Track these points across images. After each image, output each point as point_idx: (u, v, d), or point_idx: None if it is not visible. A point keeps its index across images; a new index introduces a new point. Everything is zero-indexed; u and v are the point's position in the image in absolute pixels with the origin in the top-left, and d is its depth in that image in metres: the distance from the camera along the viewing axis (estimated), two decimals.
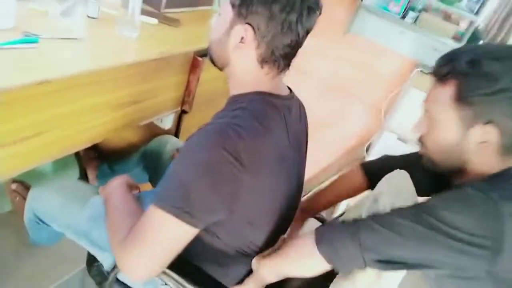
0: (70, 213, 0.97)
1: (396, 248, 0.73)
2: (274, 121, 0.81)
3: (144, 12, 1.34)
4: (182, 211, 0.68)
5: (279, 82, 0.86)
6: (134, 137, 1.59)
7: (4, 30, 0.96)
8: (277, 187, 0.83)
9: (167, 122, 1.43)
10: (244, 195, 0.74)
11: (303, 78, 2.41)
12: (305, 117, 0.99)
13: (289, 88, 0.93)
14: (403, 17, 2.09)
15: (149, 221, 0.71)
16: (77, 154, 1.66)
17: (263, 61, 0.79)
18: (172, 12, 1.47)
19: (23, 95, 0.85)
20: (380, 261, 0.74)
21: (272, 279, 0.86)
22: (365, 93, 2.34)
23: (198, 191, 0.69)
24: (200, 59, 1.32)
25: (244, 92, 0.83)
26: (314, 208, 1.16)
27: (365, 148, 2.24)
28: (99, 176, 1.58)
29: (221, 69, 0.87)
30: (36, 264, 1.39)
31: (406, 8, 2.07)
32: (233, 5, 0.77)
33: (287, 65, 0.83)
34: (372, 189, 1.04)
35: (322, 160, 2.54)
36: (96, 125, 1.08)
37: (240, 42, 0.78)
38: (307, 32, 0.80)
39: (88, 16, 1.19)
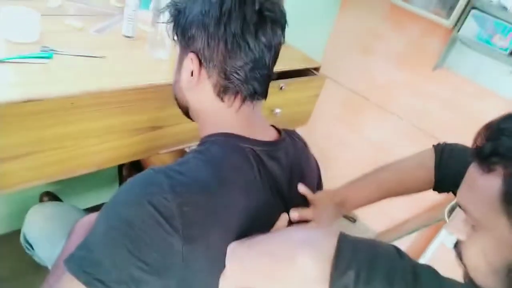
0: (51, 245, 0.90)
1: None
2: (240, 171, 0.63)
3: None
4: (93, 278, 0.54)
5: (253, 119, 0.69)
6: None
7: (26, 43, 0.95)
8: None
9: None
10: (179, 269, 0.56)
11: (383, 116, 2.12)
12: (308, 164, 0.80)
13: (278, 130, 0.75)
14: None
15: (60, 282, 0.58)
16: (121, 173, 1.64)
17: (220, 92, 0.65)
18: None
19: (11, 113, 0.80)
20: None
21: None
22: (460, 141, 1.95)
23: (114, 256, 0.54)
24: None
25: (209, 134, 0.67)
26: (350, 203, 0.85)
27: (447, 209, 1.84)
28: None
29: (187, 115, 0.75)
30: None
31: None
32: (174, 38, 0.67)
33: (256, 92, 0.66)
34: (436, 190, 0.87)
35: (396, 216, 2.19)
36: (106, 149, 1.00)
37: (191, 76, 0.65)
38: (272, 46, 0.64)
39: (124, 35, 1.14)
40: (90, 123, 0.93)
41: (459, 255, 0.56)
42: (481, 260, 0.51)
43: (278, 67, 0.73)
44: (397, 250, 0.50)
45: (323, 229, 0.52)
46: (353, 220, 2.29)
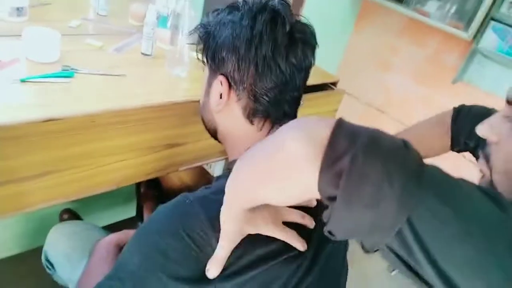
0: (71, 265, 0.89)
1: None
2: None
3: None
4: None
5: None
6: (191, 180, 1.49)
7: (47, 63, 0.96)
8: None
9: (217, 169, 1.30)
10: None
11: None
12: None
13: None
14: None
15: None
16: (138, 191, 1.63)
17: (250, 115, 0.64)
18: None
19: (33, 132, 0.80)
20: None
21: (245, 205, 0.48)
22: None
23: (144, 285, 0.53)
24: None
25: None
26: None
27: None
28: None
29: (216, 137, 0.74)
30: None
31: None
32: (204, 61, 0.67)
33: (285, 115, 0.66)
34: (453, 147, 0.91)
35: None
36: (125, 167, 0.99)
37: (220, 99, 0.65)
38: (302, 69, 0.63)
39: (143, 54, 1.15)
40: (110, 141, 0.93)
41: (486, 158, 0.53)
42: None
43: None
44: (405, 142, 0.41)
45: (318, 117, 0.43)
46: None
